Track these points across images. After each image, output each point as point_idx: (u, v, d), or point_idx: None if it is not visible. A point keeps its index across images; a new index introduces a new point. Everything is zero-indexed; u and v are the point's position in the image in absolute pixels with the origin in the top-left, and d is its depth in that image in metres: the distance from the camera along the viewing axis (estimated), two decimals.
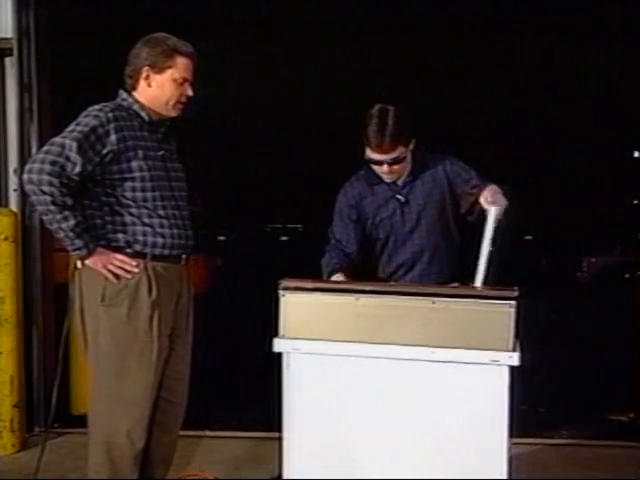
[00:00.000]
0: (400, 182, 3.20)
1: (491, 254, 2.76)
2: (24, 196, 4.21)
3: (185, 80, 2.93)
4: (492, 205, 2.82)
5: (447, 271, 3.21)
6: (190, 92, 2.96)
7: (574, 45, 7.53)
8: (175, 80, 2.91)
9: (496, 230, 2.77)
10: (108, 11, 5.81)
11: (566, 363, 5.78)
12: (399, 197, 3.20)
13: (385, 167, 3.10)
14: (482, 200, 2.87)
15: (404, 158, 3.10)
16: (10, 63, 4.37)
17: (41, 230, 4.27)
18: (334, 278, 3.09)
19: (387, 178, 3.18)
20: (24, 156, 4.28)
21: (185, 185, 3.03)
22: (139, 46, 2.94)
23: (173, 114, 2.97)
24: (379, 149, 3.05)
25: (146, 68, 2.90)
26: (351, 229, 3.23)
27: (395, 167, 3.11)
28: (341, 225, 3.26)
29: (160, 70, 2.91)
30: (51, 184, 2.69)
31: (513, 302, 2.56)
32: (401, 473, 2.63)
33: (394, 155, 3.06)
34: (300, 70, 8.61)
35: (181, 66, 2.92)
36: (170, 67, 2.90)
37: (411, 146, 3.12)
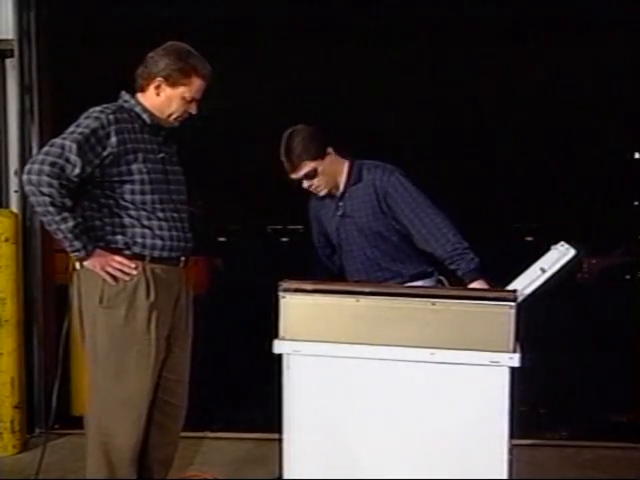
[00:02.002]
0: (339, 194, 3.28)
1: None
2: (25, 197, 4.22)
3: (193, 99, 2.94)
4: (571, 248, 2.85)
5: (406, 273, 3.23)
6: (194, 111, 2.97)
7: (574, 45, 7.53)
8: (184, 98, 2.92)
9: (561, 268, 2.82)
10: (108, 12, 5.81)
11: (566, 364, 5.78)
12: (338, 209, 3.29)
13: (305, 183, 3.24)
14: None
15: (315, 172, 3.20)
16: (11, 64, 4.37)
17: (42, 231, 4.27)
18: None
19: (317, 193, 3.28)
20: (25, 157, 4.28)
21: (184, 188, 3.03)
22: (161, 53, 2.92)
23: (173, 124, 2.98)
24: (289, 171, 3.20)
25: (159, 78, 2.90)
26: (315, 236, 3.46)
27: (314, 181, 3.22)
28: (314, 234, 3.48)
29: (173, 84, 2.90)
30: (50, 185, 2.69)
31: (513, 303, 2.57)
32: (401, 473, 2.63)
33: (303, 171, 3.18)
34: (301, 71, 8.62)
35: (194, 87, 2.92)
36: (184, 85, 2.91)
37: (326, 160, 3.20)
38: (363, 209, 3.23)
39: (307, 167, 3.19)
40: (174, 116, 2.95)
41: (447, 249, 3.08)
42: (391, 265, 3.24)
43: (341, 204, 3.27)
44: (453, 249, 3.08)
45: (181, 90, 2.91)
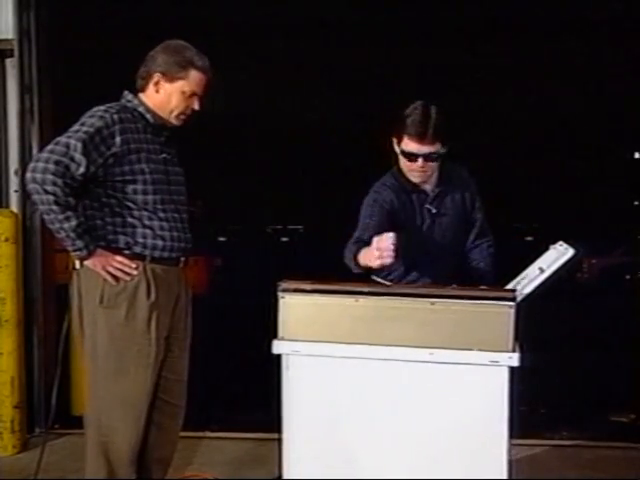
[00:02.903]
0: (430, 192, 3.13)
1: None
2: (25, 197, 4.22)
3: (194, 94, 2.93)
4: (570, 248, 2.84)
5: (458, 271, 3.17)
6: (196, 106, 2.95)
7: (574, 45, 7.54)
8: (184, 92, 2.91)
9: (560, 268, 2.82)
10: (108, 11, 5.81)
11: (566, 364, 5.78)
12: (430, 207, 3.12)
13: (420, 161, 2.99)
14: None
15: (438, 158, 3.03)
16: (11, 64, 4.38)
17: (42, 231, 4.27)
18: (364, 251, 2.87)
19: (417, 177, 3.06)
20: (25, 157, 4.29)
21: (184, 189, 3.04)
22: (158, 50, 2.93)
23: (175, 123, 2.97)
24: (420, 139, 2.95)
25: (157, 74, 2.90)
26: (378, 232, 3.02)
27: (429, 164, 3.01)
28: (368, 227, 3.04)
29: (171, 79, 2.90)
30: (55, 184, 2.68)
31: (512, 303, 2.57)
32: (401, 473, 2.62)
33: (433, 149, 2.98)
34: (301, 72, 8.62)
35: (193, 80, 2.91)
36: (182, 79, 2.90)
37: (445, 150, 3.04)
38: (455, 208, 3.14)
39: (436, 147, 2.97)
40: (175, 112, 2.94)
41: (487, 261, 3.19)
42: (453, 266, 3.16)
43: (435, 202, 3.12)
44: (490, 264, 3.19)
45: (180, 84, 2.91)
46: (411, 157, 3.01)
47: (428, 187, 3.13)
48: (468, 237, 3.24)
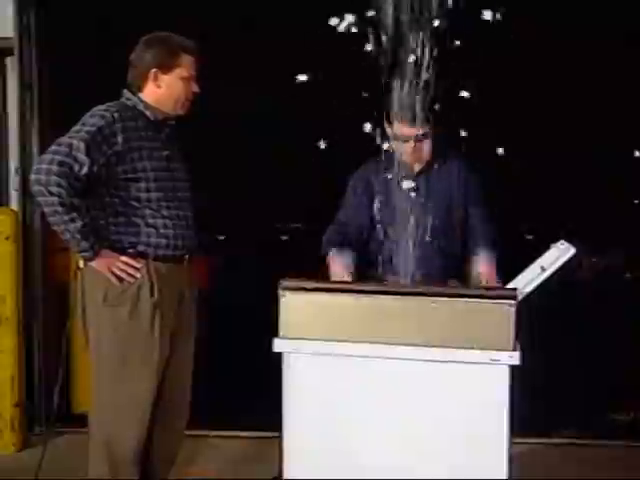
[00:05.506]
0: (415, 170, 3.23)
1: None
2: (25, 195, 4.22)
3: (191, 77, 2.94)
4: (571, 247, 2.87)
5: (451, 266, 3.23)
6: (196, 89, 2.97)
7: (574, 43, 7.53)
8: (183, 78, 2.93)
9: (561, 267, 2.85)
10: (108, 11, 5.80)
11: (567, 362, 5.78)
12: (410, 185, 3.20)
13: (411, 143, 3.13)
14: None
15: (427, 136, 3.15)
16: (11, 63, 4.38)
17: (42, 229, 4.27)
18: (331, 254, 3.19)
19: (410, 157, 3.19)
20: (25, 156, 4.29)
21: (188, 185, 3.04)
22: (142, 47, 2.94)
23: (181, 112, 2.98)
24: (410, 123, 3.07)
25: (154, 70, 2.90)
26: (358, 211, 3.29)
27: (421, 144, 3.15)
28: (348, 207, 3.32)
29: (168, 70, 2.91)
30: (59, 185, 2.68)
31: (513, 301, 2.57)
32: (401, 473, 2.62)
33: (423, 130, 3.11)
34: (300, 69, 8.62)
35: (187, 64, 2.94)
36: (178, 66, 2.92)
37: (431, 128, 3.15)
38: (439, 191, 3.22)
39: (425, 129, 3.12)
40: (181, 100, 2.95)
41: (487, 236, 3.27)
42: (442, 259, 3.23)
43: (416, 180, 3.20)
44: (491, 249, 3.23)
45: (178, 72, 2.93)
46: (403, 140, 3.14)
47: (416, 166, 3.24)
48: (461, 229, 3.29)
